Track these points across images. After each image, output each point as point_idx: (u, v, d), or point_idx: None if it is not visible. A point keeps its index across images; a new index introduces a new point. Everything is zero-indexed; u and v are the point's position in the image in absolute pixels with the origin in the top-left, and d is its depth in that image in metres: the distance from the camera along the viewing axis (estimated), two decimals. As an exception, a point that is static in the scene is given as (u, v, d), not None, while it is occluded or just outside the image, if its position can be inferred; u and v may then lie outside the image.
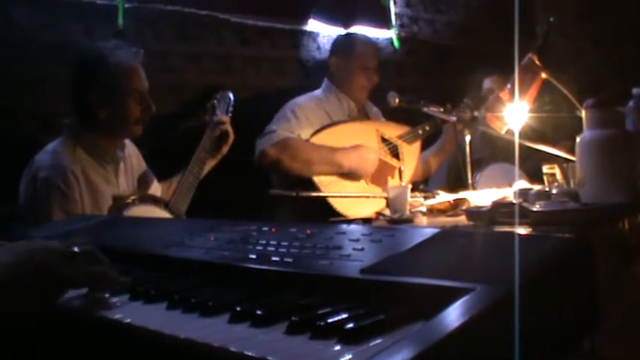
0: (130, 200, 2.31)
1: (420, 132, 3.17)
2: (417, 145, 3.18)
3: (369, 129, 3.13)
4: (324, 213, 2.72)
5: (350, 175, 2.93)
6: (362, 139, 3.03)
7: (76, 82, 2.40)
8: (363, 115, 3.34)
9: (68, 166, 2.24)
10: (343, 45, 3.32)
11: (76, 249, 1.08)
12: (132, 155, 2.58)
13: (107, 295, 1.06)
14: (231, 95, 2.90)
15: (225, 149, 2.77)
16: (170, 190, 2.64)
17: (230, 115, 2.84)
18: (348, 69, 3.23)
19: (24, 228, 2.04)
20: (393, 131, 3.14)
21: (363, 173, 2.95)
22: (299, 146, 2.93)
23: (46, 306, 1.04)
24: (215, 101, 2.86)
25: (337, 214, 2.74)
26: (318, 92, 3.25)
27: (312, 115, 3.07)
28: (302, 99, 3.15)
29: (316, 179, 2.89)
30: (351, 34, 3.48)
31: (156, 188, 2.64)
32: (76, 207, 2.22)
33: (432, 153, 3.32)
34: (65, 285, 1.05)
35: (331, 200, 2.79)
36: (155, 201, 2.45)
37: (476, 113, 2.82)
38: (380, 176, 2.99)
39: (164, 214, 2.42)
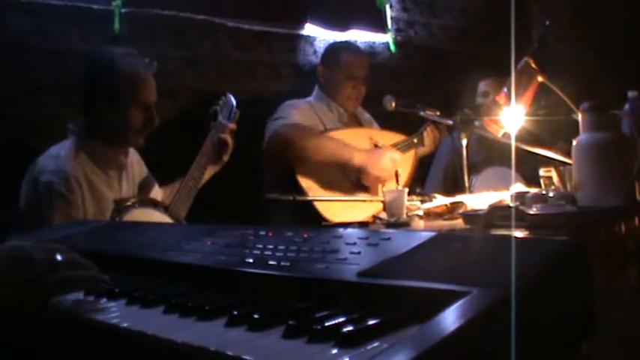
0: (129, 203, 2.31)
1: (415, 141, 3.19)
2: (411, 152, 3.18)
3: (363, 136, 3.12)
4: (321, 217, 2.72)
5: (356, 176, 2.90)
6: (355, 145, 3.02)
7: (84, 85, 2.39)
8: (355, 123, 3.34)
9: (71, 172, 2.24)
10: (329, 54, 3.32)
11: (58, 257, 1.07)
12: (134, 161, 2.57)
13: (92, 297, 1.07)
14: (233, 100, 2.87)
15: (225, 158, 2.75)
16: (172, 194, 2.64)
17: (233, 120, 2.80)
18: (333, 78, 3.23)
19: (24, 231, 2.04)
20: (387, 139, 3.14)
21: (372, 177, 2.90)
22: (311, 130, 2.97)
23: (33, 314, 1.03)
24: (217, 107, 2.84)
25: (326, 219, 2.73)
26: (310, 99, 3.26)
27: (307, 118, 3.07)
28: (297, 102, 3.16)
29: (304, 185, 2.87)
30: (339, 42, 3.46)
31: (157, 192, 2.63)
32: (78, 212, 2.21)
33: None
34: (50, 294, 1.05)
35: (320, 207, 2.78)
36: (155, 204, 2.44)
37: (476, 123, 2.82)
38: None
39: (164, 217, 2.41)
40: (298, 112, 3.05)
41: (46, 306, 1.04)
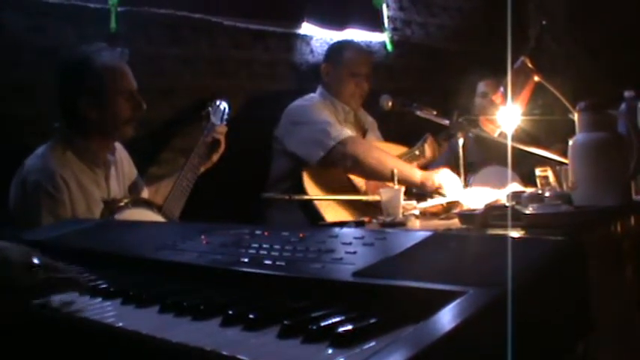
0: (122, 203, 2.31)
1: (417, 153, 3.19)
2: (414, 165, 3.17)
3: None
4: (317, 216, 2.71)
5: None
6: None
7: (64, 86, 2.39)
8: (359, 124, 3.34)
9: (57, 170, 2.24)
10: (333, 52, 3.34)
11: (35, 260, 1.06)
12: (123, 160, 2.58)
13: (72, 298, 1.07)
14: (225, 104, 2.93)
15: (215, 158, 2.81)
16: (157, 194, 2.65)
17: (225, 123, 2.86)
18: (337, 76, 3.24)
19: (14, 231, 2.03)
20: (390, 151, 3.12)
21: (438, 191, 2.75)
22: (372, 145, 3.01)
23: (11, 317, 1.03)
24: (210, 109, 2.88)
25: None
26: (314, 96, 3.25)
27: (328, 113, 3.09)
28: (306, 102, 3.16)
29: (308, 187, 2.87)
30: (343, 40, 3.48)
31: (144, 193, 2.64)
32: (66, 210, 2.21)
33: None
34: (27, 296, 1.05)
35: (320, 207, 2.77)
36: (148, 205, 2.45)
37: (470, 134, 2.81)
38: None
39: (157, 217, 2.42)
40: (328, 114, 3.06)
41: (23, 309, 1.04)
